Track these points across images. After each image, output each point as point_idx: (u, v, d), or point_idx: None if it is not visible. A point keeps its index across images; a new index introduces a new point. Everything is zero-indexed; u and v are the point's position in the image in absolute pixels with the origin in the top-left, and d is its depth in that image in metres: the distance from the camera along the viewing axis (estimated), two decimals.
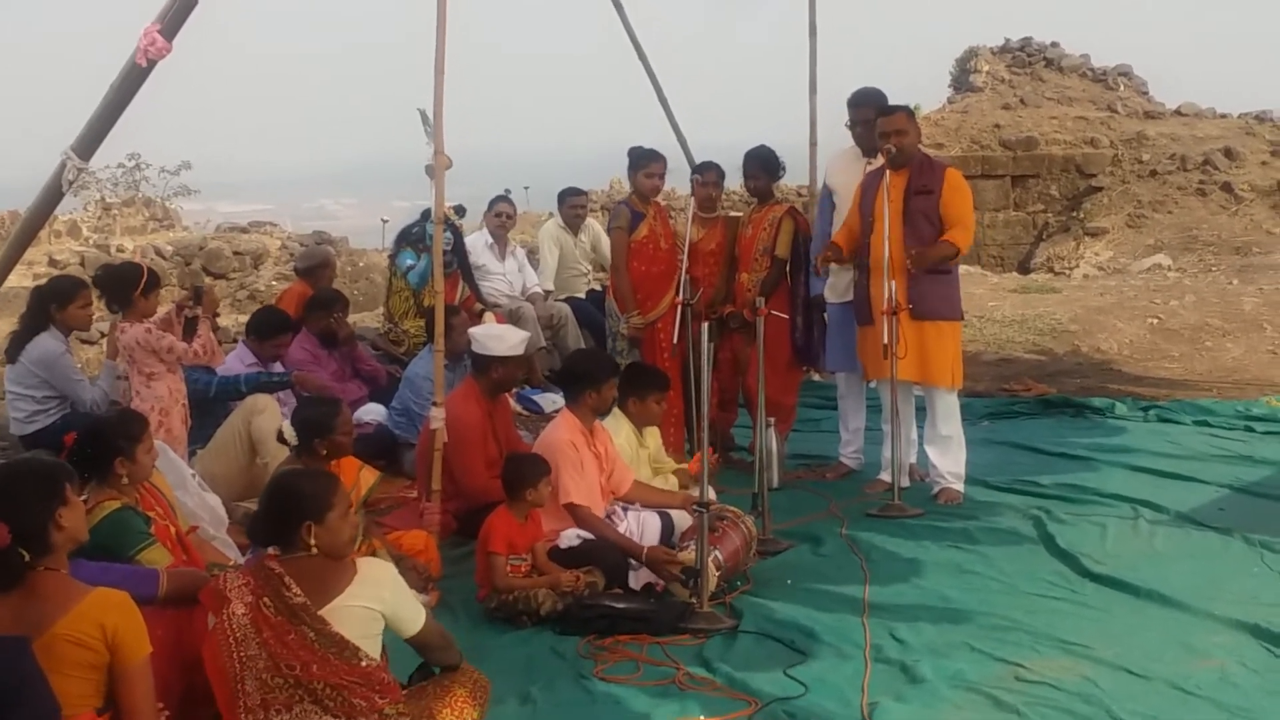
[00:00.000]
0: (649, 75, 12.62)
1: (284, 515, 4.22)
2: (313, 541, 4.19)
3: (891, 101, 8.24)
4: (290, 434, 5.88)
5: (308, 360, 9.04)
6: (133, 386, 7.22)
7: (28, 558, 3.68)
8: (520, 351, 7.50)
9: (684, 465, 7.50)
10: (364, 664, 4.07)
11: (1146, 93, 26.21)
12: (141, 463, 5.08)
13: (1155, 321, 13.92)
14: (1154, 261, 19.72)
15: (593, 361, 7.27)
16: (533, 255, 12.10)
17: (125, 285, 7.38)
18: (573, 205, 11.80)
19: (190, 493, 6.20)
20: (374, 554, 5.60)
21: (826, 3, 12.06)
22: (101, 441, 4.98)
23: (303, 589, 4.08)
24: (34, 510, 3.73)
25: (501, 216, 11.25)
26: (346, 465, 6.06)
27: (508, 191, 12.16)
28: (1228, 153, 22.75)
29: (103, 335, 10.23)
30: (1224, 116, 25.40)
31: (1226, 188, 21.94)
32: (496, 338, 7.48)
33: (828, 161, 8.91)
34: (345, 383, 9.29)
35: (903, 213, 7.63)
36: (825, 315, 8.62)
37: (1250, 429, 9.51)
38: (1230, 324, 13.71)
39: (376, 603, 4.18)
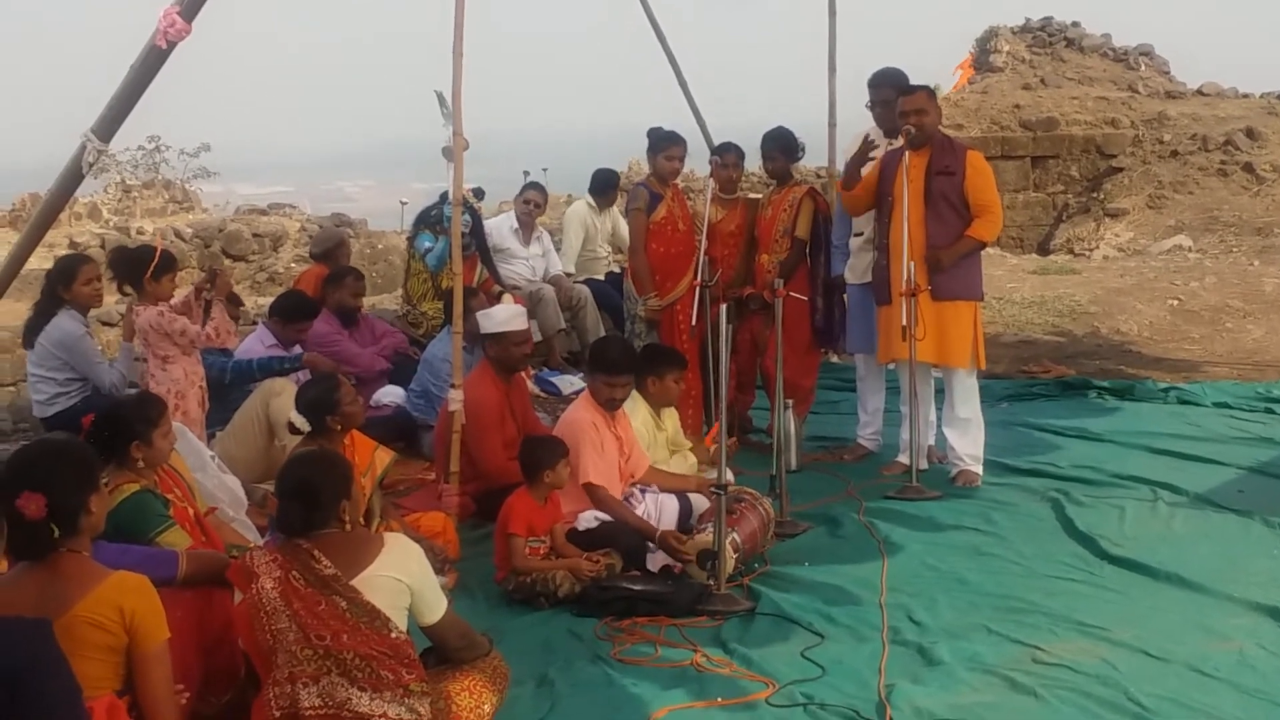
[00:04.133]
0: (668, 56, 12.59)
1: (322, 499, 4.24)
2: (347, 518, 4.24)
3: (912, 81, 8.22)
4: (300, 421, 5.90)
5: (331, 333, 9.06)
6: (149, 369, 7.24)
7: (57, 534, 3.70)
8: (509, 328, 7.47)
9: (702, 441, 7.51)
10: (394, 635, 4.09)
11: (1168, 72, 26.12)
12: (158, 447, 5.08)
13: (1175, 303, 13.86)
14: (1174, 243, 19.62)
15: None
16: (554, 234, 12.10)
17: (136, 268, 7.37)
18: (620, 188, 11.93)
19: (209, 474, 6.23)
20: None
21: None
22: (118, 425, 4.99)
23: (333, 562, 4.11)
24: (71, 491, 3.75)
25: (530, 204, 11.24)
26: (361, 446, 6.09)
27: (527, 174, 12.16)
28: (1249, 133, 22.63)
29: (121, 317, 10.27)
30: (1246, 96, 25.30)
31: (1248, 168, 21.82)
32: (485, 315, 7.51)
33: (849, 142, 8.88)
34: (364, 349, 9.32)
35: (924, 194, 7.63)
36: (845, 296, 8.62)
37: (1271, 411, 9.47)
38: (1251, 305, 13.66)
39: (404, 574, 4.20)
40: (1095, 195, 22.70)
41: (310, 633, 4.00)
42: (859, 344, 8.45)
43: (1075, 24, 26.98)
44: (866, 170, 8.04)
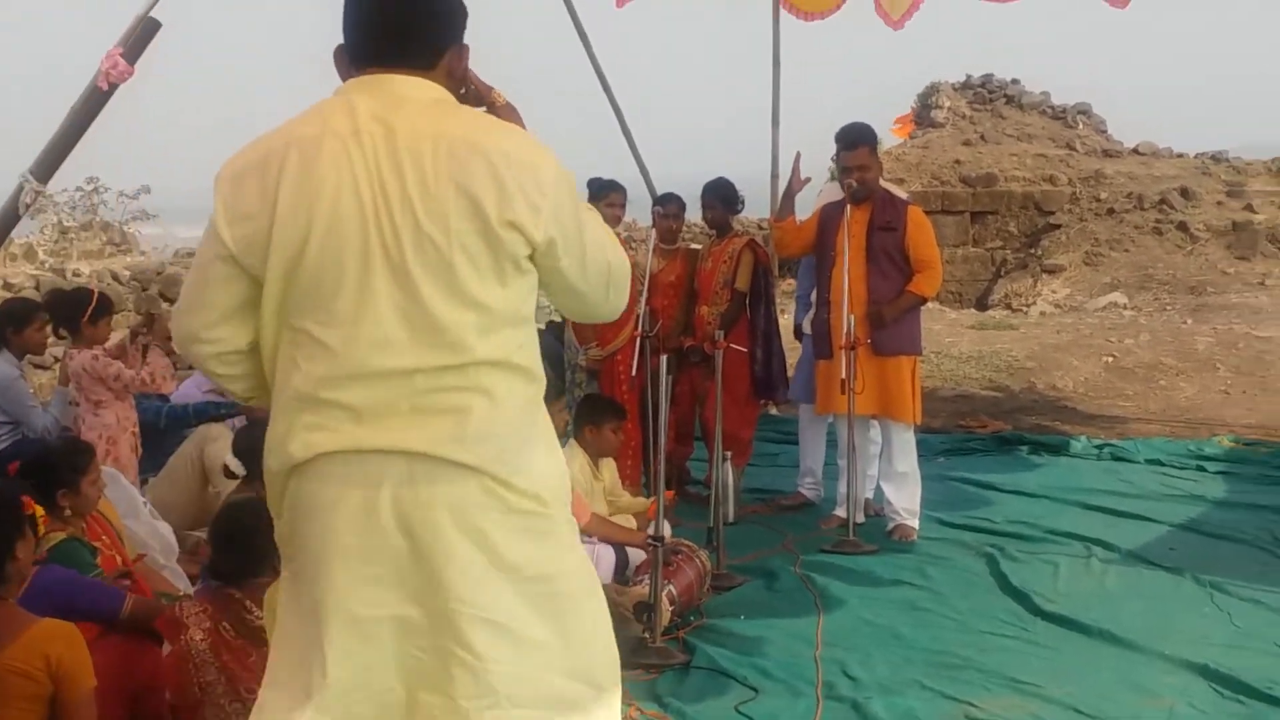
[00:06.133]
0: (612, 106, 12.64)
1: (257, 547, 4.19)
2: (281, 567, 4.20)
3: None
4: (236, 465, 5.84)
5: None
6: (81, 414, 7.16)
7: None
8: None
9: (640, 499, 7.49)
10: None
11: (1105, 131, 26.51)
12: (86, 495, 5.01)
13: (1110, 360, 14.02)
14: (1110, 300, 19.88)
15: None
16: None
17: (73, 311, 7.30)
18: None
19: (142, 521, 6.14)
20: None
21: (790, 35, 12.17)
22: (45, 473, 4.92)
23: (264, 612, 4.06)
24: None
25: None
26: None
27: None
28: (1184, 192, 23.00)
29: (56, 360, 10.15)
30: (1180, 156, 25.72)
31: (1182, 227, 22.16)
32: None
33: (819, 194, 8.91)
34: None
35: (865, 249, 7.68)
36: (784, 345, 8.69)
37: (1202, 468, 9.56)
38: (1184, 363, 13.84)
39: None
40: (1033, 251, 22.96)
41: (240, 685, 3.96)
42: (806, 394, 8.45)
43: (1015, 81, 27.33)
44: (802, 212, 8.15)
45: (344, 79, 2.90)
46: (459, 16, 2.94)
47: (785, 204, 8.34)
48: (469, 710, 2.71)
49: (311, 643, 2.73)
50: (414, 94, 2.78)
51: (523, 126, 3.07)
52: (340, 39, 2.96)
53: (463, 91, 3.04)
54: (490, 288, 2.68)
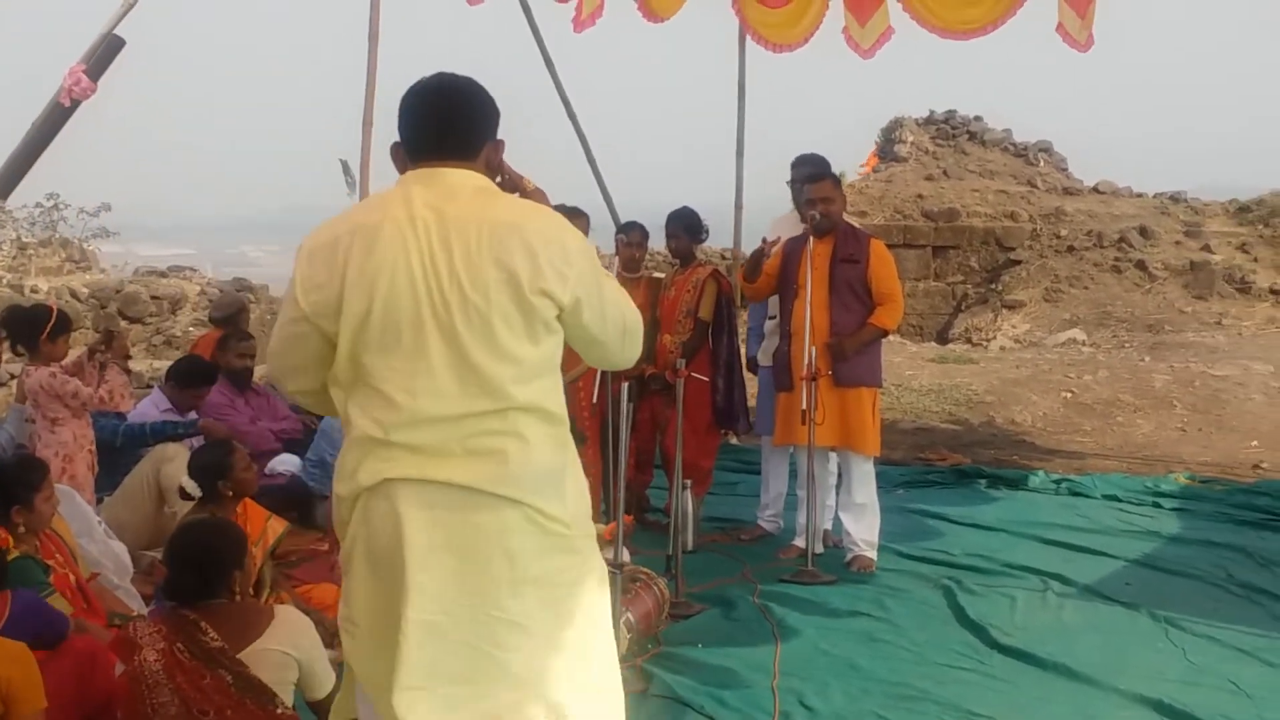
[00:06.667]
0: (576, 132, 12.66)
1: (214, 569, 4.17)
2: (237, 588, 4.18)
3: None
4: (191, 486, 5.79)
5: (224, 404, 8.90)
6: (37, 431, 7.09)
7: None
8: None
9: (599, 525, 7.46)
10: (279, 710, 4.02)
11: (1066, 169, 26.73)
12: (40, 511, 4.96)
13: (1069, 395, 14.09)
14: (1069, 336, 20.01)
15: None
16: None
17: (31, 328, 7.22)
18: None
19: (96, 540, 6.09)
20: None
21: (756, 67, 12.23)
22: None
23: (220, 634, 4.03)
24: None
25: None
26: (254, 515, 5.98)
27: None
28: (1143, 231, 23.20)
29: (13, 377, 10.05)
30: (1140, 195, 25.96)
31: (1141, 265, 22.35)
32: None
33: (773, 223, 8.92)
34: (257, 425, 9.13)
35: (828, 281, 7.70)
36: (745, 375, 8.68)
37: (1158, 505, 9.61)
38: (1141, 400, 13.92)
39: (294, 648, 4.15)
40: (994, 286, 23.10)
41: (193, 707, 3.91)
42: (768, 426, 8.45)
43: (978, 118, 27.53)
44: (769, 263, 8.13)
45: (399, 169, 3.47)
46: (494, 117, 3.52)
47: (754, 268, 8.25)
48: (498, 695, 3.21)
49: (382, 642, 3.20)
50: (462, 183, 3.35)
51: (549, 204, 3.80)
52: (397, 137, 3.49)
53: (498, 180, 3.57)
54: (524, 346, 3.23)
